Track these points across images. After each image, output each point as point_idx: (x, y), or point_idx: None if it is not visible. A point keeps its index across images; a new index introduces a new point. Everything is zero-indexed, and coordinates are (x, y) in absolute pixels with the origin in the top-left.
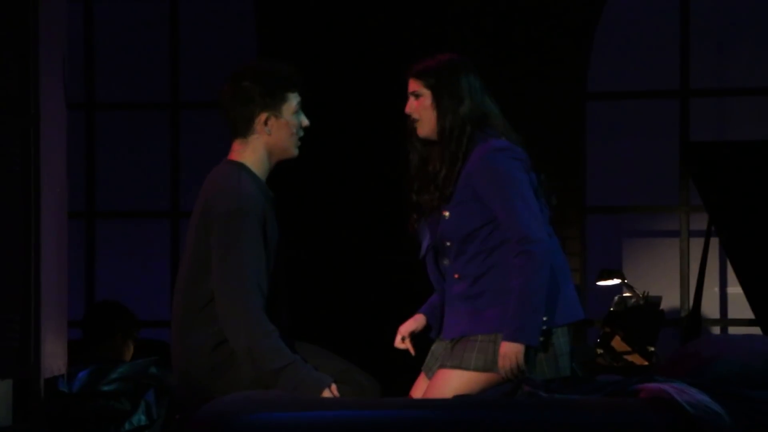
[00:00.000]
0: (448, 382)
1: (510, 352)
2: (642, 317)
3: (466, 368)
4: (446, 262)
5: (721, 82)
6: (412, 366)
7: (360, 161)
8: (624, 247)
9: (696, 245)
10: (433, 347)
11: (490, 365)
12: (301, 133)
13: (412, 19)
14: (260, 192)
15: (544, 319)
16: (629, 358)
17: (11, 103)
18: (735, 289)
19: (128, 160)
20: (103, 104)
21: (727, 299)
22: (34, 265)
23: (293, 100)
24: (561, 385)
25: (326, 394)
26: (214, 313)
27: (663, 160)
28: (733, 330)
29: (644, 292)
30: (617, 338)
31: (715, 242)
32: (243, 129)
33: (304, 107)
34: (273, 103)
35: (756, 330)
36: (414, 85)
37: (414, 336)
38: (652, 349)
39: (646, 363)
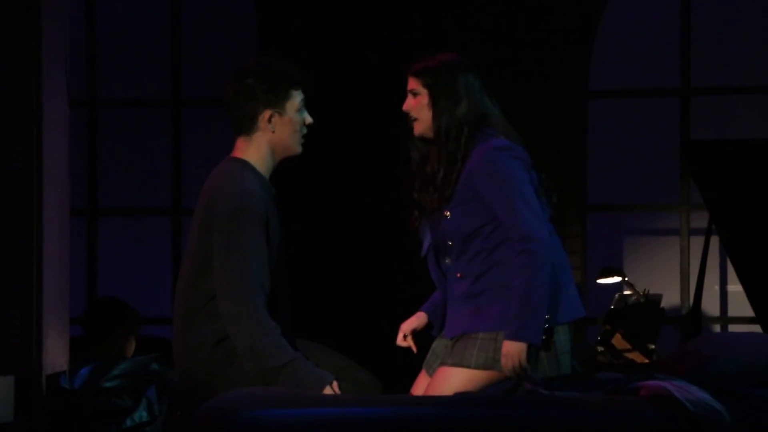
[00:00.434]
0: (449, 380)
1: (512, 351)
2: (642, 315)
3: (467, 366)
4: (448, 261)
5: (721, 81)
6: (413, 363)
7: (361, 159)
8: (625, 245)
9: (696, 243)
10: (433, 345)
11: (491, 363)
12: (305, 131)
13: (412, 18)
14: (263, 189)
15: (546, 317)
16: (630, 355)
17: (13, 100)
18: (735, 287)
19: (130, 158)
20: (105, 102)
21: (728, 297)
22: (35, 262)
23: (297, 98)
24: (561, 382)
25: (327, 391)
26: (216, 310)
27: (664, 159)
28: (733, 328)
29: (645, 290)
30: (618, 336)
31: (715, 240)
32: (246, 126)
33: (307, 105)
34: (276, 100)
35: (756, 328)
36: (412, 84)
37: (416, 334)
38: (653, 346)
39: (647, 361)
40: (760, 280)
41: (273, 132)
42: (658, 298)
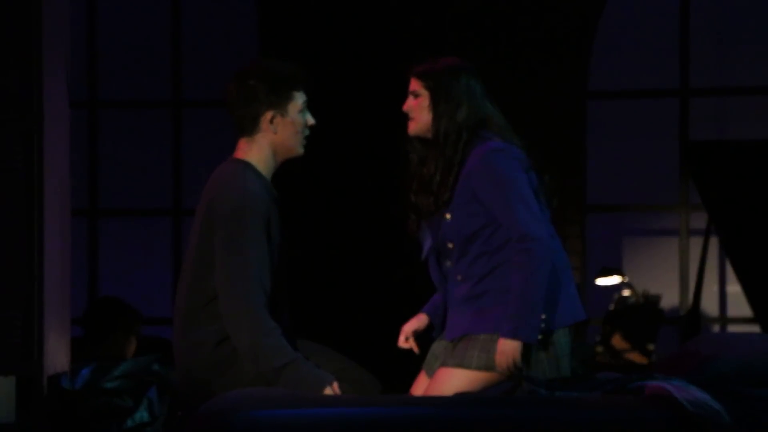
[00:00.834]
0: (449, 381)
1: (507, 349)
2: (642, 315)
3: (468, 367)
4: (448, 263)
5: (721, 82)
6: (413, 364)
7: (361, 160)
8: (624, 245)
9: (695, 244)
10: (433, 346)
11: (491, 364)
12: (307, 132)
13: (412, 19)
14: (265, 190)
15: (543, 317)
16: (629, 356)
17: (14, 101)
18: (734, 288)
19: (130, 158)
20: (106, 102)
21: (727, 297)
22: (37, 262)
23: (299, 99)
24: (561, 383)
25: (328, 392)
26: (217, 310)
27: (663, 159)
28: (732, 328)
29: (644, 291)
30: (617, 336)
31: (714, 241)
32: (248, 127)
33: (308, 106)
34: (278, 101)
35: (755, 328)
36: (414, 85)
37: (417, 335)
38: (652, 347)
39: (646, 361)
40: (759, 280)
41: (275, 133)
42: (657, 298)
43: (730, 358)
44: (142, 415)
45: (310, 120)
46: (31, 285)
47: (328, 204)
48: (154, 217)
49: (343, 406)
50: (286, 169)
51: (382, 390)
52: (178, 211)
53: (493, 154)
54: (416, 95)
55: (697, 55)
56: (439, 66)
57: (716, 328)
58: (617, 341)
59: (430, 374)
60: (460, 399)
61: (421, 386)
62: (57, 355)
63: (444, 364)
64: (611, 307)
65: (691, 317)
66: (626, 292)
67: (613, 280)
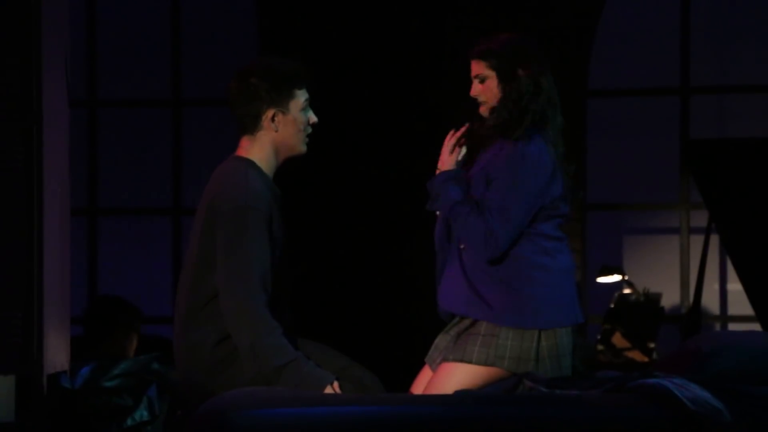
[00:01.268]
0: (450, 376)
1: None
2: (642, 314)
3: (468, 361)
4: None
5: (721, 80)
6: (413, 363)
7: (361, 160)
8: (624, 243)
9: (696, 242)
10: (436, 340)
11: (492, 360)
12: (309, 130)
13: (412, 19)
14: (267, 189)
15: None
16: (629, 354)
17: (14, 100)
18: (735, 286)
19: (130, 158)
20: (106, 102)
21: (727, 296)
22: (36, 261)
23: (301, 97)
24: (562, 381)
25: (328, 391)
26: (218, 309)
27: (663, 158)
28: (733, 326)
29: (644, 289)
30: (618, 334)
31: (715, 239)
32: (250, 125)
33: (311, 104)
34: (280, 99)
35: (756, 326)
36: (477, 68)
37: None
38: (653, 345)
39: (647, 359)
40: (760, 278)
41: (276, 131)
42: (657, 296)
43: (731, 356)
44: (141, 413)
45: (313, 118)
46: (31, 284)
47: (329, 203)
48: (154, 216)
49: (344, 405)
50: (287, 167)
51: (383, 389)
52: (178, 210)
53: (527, 149)
54: (482, 79)
55: (697, 53)
56: (500, 43)
57: (717, 326)
58: (618, 339)
59: (433, 368)
60: (461, 397)
61: (423, 380)
62: (57, 354)
63: (445, 359)
64: (612, 305)
65: (692, 315)
66: (627, 291)
67: (614, 278)
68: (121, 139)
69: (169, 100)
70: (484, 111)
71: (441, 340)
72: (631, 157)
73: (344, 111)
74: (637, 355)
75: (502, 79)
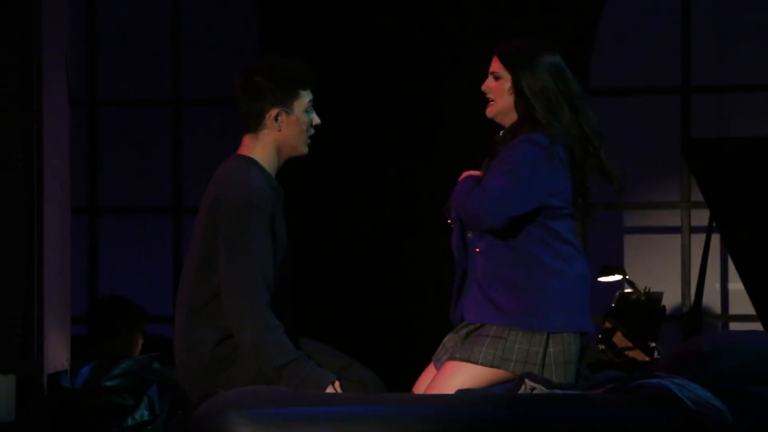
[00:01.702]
0: (454, 375)
1: None
2: (643, 313)
3: (474, 362)
4: (470, 234)
5: (722, 79)
6: (414, 363)
7: (363, 160)
8: (625, 243)
9: (697, 241)
10: (445, 339)
11: (498, 362)
12: (312, 131)
13: (412, 19)
14: (270, 187)
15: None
16: (631, 354)
17: (14, 99)
18: (736, 285)
19: (130, 157)
20: (106, 101)
21: (729, 295)
22: (36, 260)
23: (305, 98)
24: (563, 382)
25: (329, 390)
26: (219, 308)
27: (664, 157)
28: (734, 326)
29: (646, 288)
30: (619, 334)
31: (716, 238)
32: (253, 124)
33: (314, 105)
34: (284, 99)
35: (757, 326)
36: (496, 66)
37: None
38: (654, 345)
39: (648, 359)
40: (761, 277)
41: (279, 131)
42: (659, 296)
43: (732, 356)
44: (142, 413)
45: (316, 119)
46: (31, 284)
47: (330, 203)
48: (154, 216)
49: (345, 404)
50: (289, 167)
51: (385, 389)
52: (178, 210)
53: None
54: (497, 77)
55: (698, 52)
56: (522, 48)
57: (718, 326)
58: (619, 339)
59: (438, 366)
60: (462, 397)
61: (427, 378)
62: (57, 353)
63: (452, 358)
64: (613, 304)
65: (693, 315)
66: (628, 290)
67: (615, 277)
68: (121, 138)
69: (169, 99)
70: (490, 112)
71: (449, 339)
72: (632, 156)
73: (343, 111)
74: (638, 355)
75: (516, 84)
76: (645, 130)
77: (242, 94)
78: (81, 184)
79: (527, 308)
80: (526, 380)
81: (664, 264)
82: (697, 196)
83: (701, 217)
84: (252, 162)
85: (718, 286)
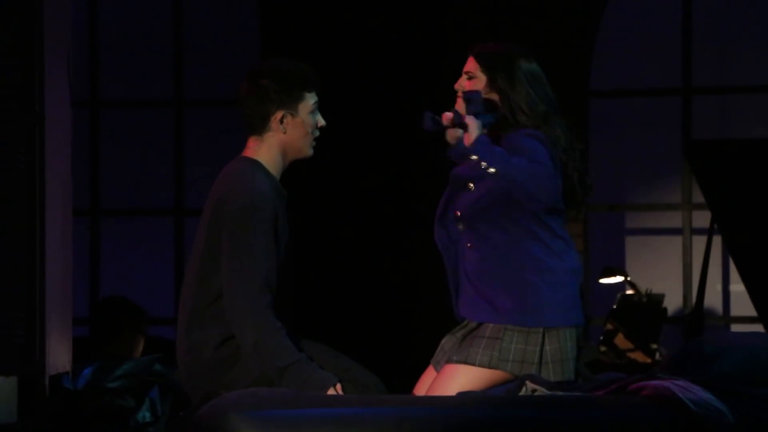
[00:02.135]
0: (453, 378)
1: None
2: (645, 315)
3: (472, 363)
4: (461, 227)
5: (723, 80)
6: (415, 365)
7: (361, 160)
8: (627, 244)
9: (699, 243)
10: (443, 341)
11: (495, 363)
12: (317, 133)
13: (413, 19)
14: (273, 190)
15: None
16: (632, 355)
17: (16, 101)
18: (738, 287)
19: (132, 158)
20: (108, 102)
21: (730, 297)
22: (38, 262)
23: (310, 100)
24: (564, 383)
25: (331, 392)
26: (221, 310)
27: (665, 158)
28: (735, 327)
29: (647, 290)
30: (620, 336)
31: (717, 240)
32: (258, 126)
33: (319, 108)
34: (289, 101)
35: (759, 327)
36: (471, 65)
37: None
38: (655, 346)
39: (649, 360)
40: (763, 279)
41: (284, 133)
42: (660, 297)
43: (734, 357)
44: (144, 415)
45: (321, 121)
46: (33, 285)
47: (332, 204)
48: (156, 217)
49: (347, 406)
50: (289, 167)
51: (386, 391)
52: (180, 211)
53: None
54: (471, 77)
55: (699, 53)
56: (500, 50)
57: (720, 327)
58: (620, 341)
59: (438, 369)
60: (462, 399)
61: (427, 381)
62: (59, 355)
63: (449, 360)
64: (614, 306)
65: (695, 316)
66: (629, 292)
67: (616, 279)
68: (123, 139)
69: (171, 101)
70: (459, 106)
71: (447, 342)
72: (633, 157)
73: (343, 111)
74: (639, 356)
75: (490, 85)
76: (646, 132)
77: (247, 97)
78: (83, 186)
79: (521, 306)
80: (527, 382)
81: (666, 265)
82: (699, 197)
83: (702, 218)
84: (256, 164)
85: (719, 287)
